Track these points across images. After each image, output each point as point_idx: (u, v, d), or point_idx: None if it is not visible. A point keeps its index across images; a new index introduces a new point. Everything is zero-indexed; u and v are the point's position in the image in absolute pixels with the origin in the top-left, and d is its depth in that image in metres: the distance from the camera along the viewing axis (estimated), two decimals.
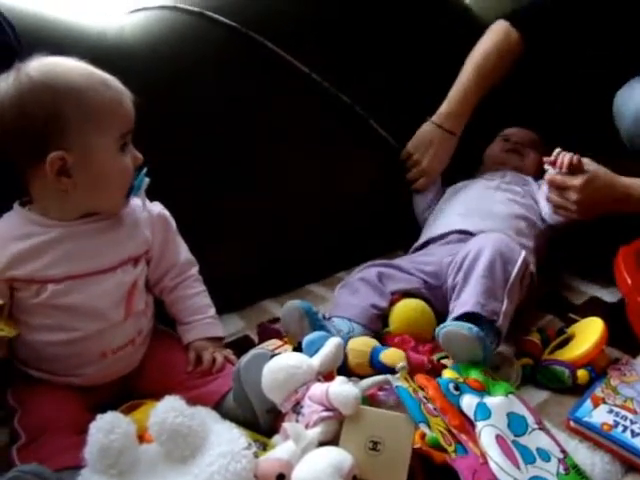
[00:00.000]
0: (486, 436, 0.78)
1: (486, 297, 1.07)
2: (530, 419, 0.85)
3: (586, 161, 1.27)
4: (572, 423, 0.96)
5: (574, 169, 1.26)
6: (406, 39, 1.45)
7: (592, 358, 1.05)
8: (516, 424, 0.83)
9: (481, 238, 1.19)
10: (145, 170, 0.98)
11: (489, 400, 0.82)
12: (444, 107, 1.49)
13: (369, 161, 1.28)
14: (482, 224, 1.30)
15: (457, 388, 0.82)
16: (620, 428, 0.93)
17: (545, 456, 0.82)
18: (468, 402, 0.81)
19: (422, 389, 0.82)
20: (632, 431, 0.92)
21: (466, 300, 1.07)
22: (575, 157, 1.26)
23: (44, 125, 0.88)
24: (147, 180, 0.98)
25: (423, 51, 1.12)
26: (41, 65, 0.91)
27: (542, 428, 0.86)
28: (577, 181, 1.25)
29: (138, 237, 1.02)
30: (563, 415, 0.98)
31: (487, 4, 1.82)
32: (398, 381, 0.81)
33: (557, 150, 1.29)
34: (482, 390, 0.84)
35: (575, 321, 1.16)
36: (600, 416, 0.95)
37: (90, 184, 0.93)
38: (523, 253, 1.16)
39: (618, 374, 1.04)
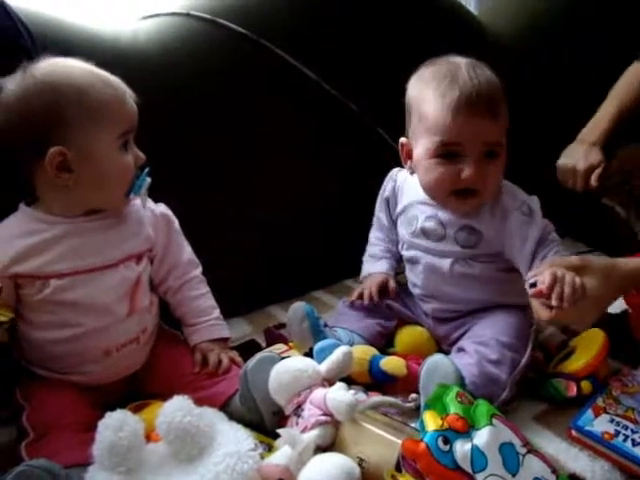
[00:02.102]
0: None
1: (485, 381, 1.01)
2: (517, 443, 0.84)
3: (575, 261, 0.98)
4: (574, 432, 0.97)
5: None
6: (417, 49, 1.45)
7: (594, 369, 1.05)
8: (509, 458, 0.82)
9: (497, 320, 1.10)
10: (147, 170, 1.00)
11: (479, 440, 0.82)
12: (588, 126, 1.46)
13: (377, 169, 1.29)
14: (462, 306, 1.16)
15: (445, 441, 0.82)
16: (621, 437, 0.93)
17: None
18: (462, 452, 0.79)
19: (414, 462, 0.81)
20: (633, 440, 0.93)
21: (464, 373, 0.97)
22: (577, 284, 0.93)
23: (45, 120, 0.91)
24: (149, 180, 1.00)
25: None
26: (45, 65, 0.94)
27: (530, 450, 0.85)
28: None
29: (141, 235, 1.04)
30: (564, 424, 0.99)
31: (495, 15, 1.84)
32: None
33: (541, 277, 0.95)
34: (467, 428, 0.83)
35: (577, 333, 1.17)
36: (601, 425, 0.96)
37: (91, 180, 0.95)
38: (530, 345, 1.07)
39: (619, 384, 1.04)
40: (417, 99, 1.11)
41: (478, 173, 1.06)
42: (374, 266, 1.27)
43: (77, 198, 0.97)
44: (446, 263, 1.13)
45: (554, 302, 0.92)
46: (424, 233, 1.15)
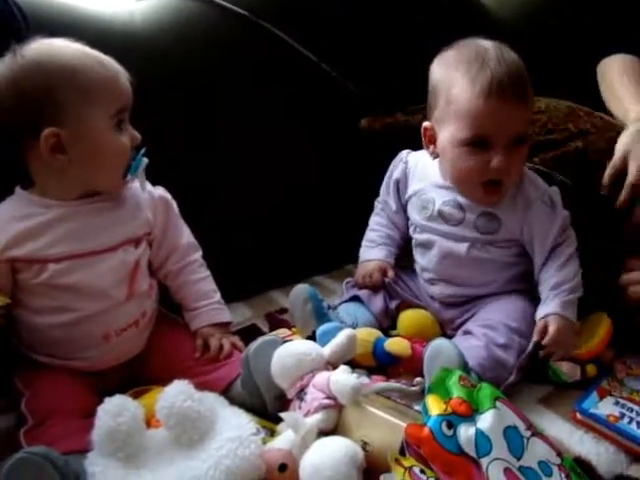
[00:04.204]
0: (494, 474, 0.77)
1: (492, 364, 1.01)
2: (521, 426, 0.84)
3: None
4: (578, 415, 0.96)
5: None
6: (421, 34, 1.45)
7: (599, 352, 1.05)
8: (514, 442, 0.81)
9: (504, 305, 1.10)
10: (144, 150, 0.99)
11: (483, 424, 0.80)
12: (634, 110, 1.23)
13: (379, 154, 1.28)
14: (474, 290, 1.16)
15: (449, 425, 0.80)
16: (626, 419, 0.93)
17: (547, 470, 0.82)
18: (466, 436, 0.78)
19: (418, 447, 0.80)
20: (638, 423, 0.93)
21: (469, 354, 0.98)
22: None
23: (37, 102, 0.90)
24: (145, 160, 0.99)
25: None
26: (35, 46, 0.93)
27: (534, 433, 0.85)
28: None
29: (139, 218, 1.03)
30: (568, 407, 0.99)
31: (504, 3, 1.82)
32: (393, 477, 0.79)
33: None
34: (471, 412, 0.82)
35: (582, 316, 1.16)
36: (606, 408, 0.96)
37: (85, 161, 0.94)
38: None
39: (624, 367, 1.05)
40: (445, 83, 1.08)
41: (506, 163, 1.04)
42: (371, 252, 1.26)
43: (73, 180, 0.96)
44: (463, 247, 1.12)
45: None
46: (442, 217, 1.14)
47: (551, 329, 1.02)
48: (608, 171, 1.15)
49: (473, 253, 1.12)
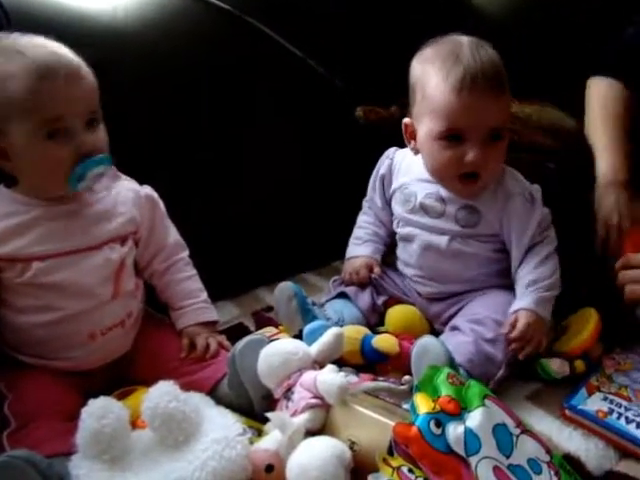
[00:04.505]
0: (483, 472, 0.77)
1: (481, 359, 1.01)
2: (510, 424, 0.83)
3: None
4: (567, 411, 0.96)
5: None
6: (407, 29, 1.44)
7: (588, 348, 1.05)
8: (503, 440, 0.81)
9: (491, 299, 1.11)
10: (98, 158, 0.93)
11: (472, 422, 0.80)
12: (603, 166, 1.27)
13: (368, 151, 1.28)
14: (457, 286, 1.16)
15: (438, 424, 0.80)
16: (615, 415, 0.94)
17: (536, 467, 0.81)
18: (454, 435, 0.77)
19: (406, 447, 0.80)
20: (626, 418, 0.93)
21: (458, 350, 0.99)
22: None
23: None
24: (100, 169, 0.94)
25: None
26: None
27: (523, 430, 0.84)
28: None
29: (124, 216, 1.02)
30: (557, 403, 0.99)
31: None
32: (381, 477, 0.78)
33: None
34: (460, 410, 0.82)
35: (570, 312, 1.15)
36: (595, 404, 0.96)
37: (26, 170, 0.93)
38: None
39: (613, 363, 1.05)
40: (420, 79, 1.09)
41: (481, 157, 1.04)
42: (358, 249, 1.26)
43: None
44: (443, 240, 1.12)
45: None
46: (423, 209, 1.14)
47: (520, 324, 1.03)
48: (597, 240, 1.20)
49: (454, 246, 1.12)
